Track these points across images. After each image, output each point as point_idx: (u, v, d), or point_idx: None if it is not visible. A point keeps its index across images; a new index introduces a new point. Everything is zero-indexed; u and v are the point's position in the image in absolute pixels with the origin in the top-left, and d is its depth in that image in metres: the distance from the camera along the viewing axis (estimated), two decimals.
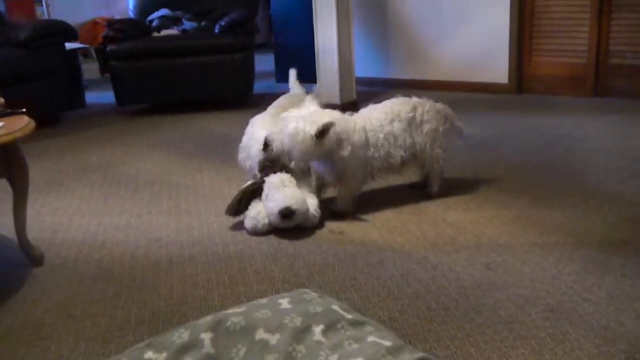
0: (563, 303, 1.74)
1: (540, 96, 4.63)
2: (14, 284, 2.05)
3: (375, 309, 1.77)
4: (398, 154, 2.50)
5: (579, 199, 2.54)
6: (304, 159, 2.40)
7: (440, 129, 2.60)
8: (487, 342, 1.57)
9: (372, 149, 2.45)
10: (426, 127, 2.56)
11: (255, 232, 2.34)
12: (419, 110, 2.57)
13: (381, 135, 2.46)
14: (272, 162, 2.40)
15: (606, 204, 2.46)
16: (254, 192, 2.39)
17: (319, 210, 2.39)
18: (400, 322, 1.69)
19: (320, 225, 2.39)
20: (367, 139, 2.44)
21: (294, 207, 2.25)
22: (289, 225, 2.29)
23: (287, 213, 2.24)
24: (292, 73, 3.36)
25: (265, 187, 2.36)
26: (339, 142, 2.37)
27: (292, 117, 2.36)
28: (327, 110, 2.46)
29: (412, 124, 2.54)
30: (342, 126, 2.38)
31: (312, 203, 2.37)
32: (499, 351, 1.53)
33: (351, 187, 2.48)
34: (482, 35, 4.77)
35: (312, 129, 2.28)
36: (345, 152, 2.37)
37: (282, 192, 2.29)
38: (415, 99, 2.62)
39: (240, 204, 2.39)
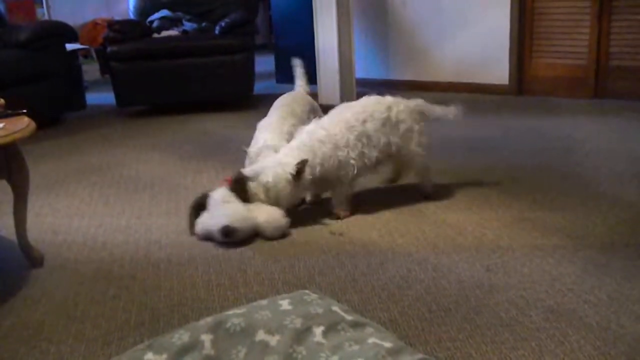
0: (563, 305, 1.74)
1: (540, 98, 4.63)
2: (14, 285, 2.05)
3: (375, 310, 1.77)
4: (373, 154, 2.49)
5: (579, 200, 2.54)
6: (292, 201, 2.43)
7: (416, 127, 2.58)
8: (487, 344, 1.57)
9: (345, 150, 2.43)
10: (402, 127, 2.55)
11: (206, 238, 2.33)
12: (394, 110, 2.55)
13: (352, 137, 2.44)
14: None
15: (606, 206, 2.46)
16: (200, 206, 2.38)
17: (281, 220, 2.32)
18: (400, 323, 1.69)
19: (319, 226, 2.39)
20: (335, 144, 2.42)
21: (234, 225, 2.22)
22: (234, 240, 2.26)
23: (226, 232, 2.22)
24: (298, 64, 3.33)
25: (208, 203, 2.35)
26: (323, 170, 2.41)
27: (266, 167, 2.37)
28: (293, 144, 2.46)
29: (386, 123, 2.52)
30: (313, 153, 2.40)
31: (267, 216, 2.31)
32: (500, 353, 1.53)
33: (340, 189, 2.48)
34: (482, 36, 4.77)
35: (289, 171, 2.32)
36: (317, 173, 2.39)
37: (222, 210, 2.28)
38: (389, 98, 2.60)
39: (193, 222, 2.39)
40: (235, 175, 2.41)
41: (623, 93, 4.33)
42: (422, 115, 2.63)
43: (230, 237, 2.24)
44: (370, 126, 2.48)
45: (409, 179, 2.76)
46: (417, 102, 2.63)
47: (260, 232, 2.32)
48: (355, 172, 2.47)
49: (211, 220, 2.29)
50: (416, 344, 1.58)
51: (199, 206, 2.40)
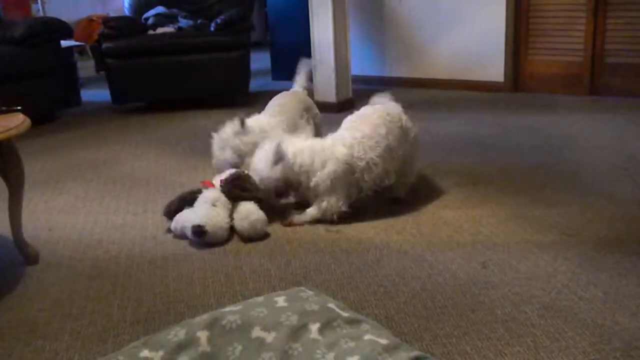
0: (559, 301, 1.74)
1: (536, 95, 4.64)
2: (9, 283, 2.05)
3: (371, 307, 1.77)
4: (392, 168, 2.42)
5: (575, 197, 2.54)
6: (263, 183, 2.40)
7: (416, 131, 2.56)
8: (483, 340, 1.58)
9: (361, 173, 2.34)
10: (412, 134, 2.52)
11: (175, 234, 2.35)
12: (403, 118, 2.51)
13: (374, 155, 2.34)
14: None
15: (601, 203, 2.46)
16: (190, 200, 2.38)
17: (257, 215, 2.29)
18: (396, 320, 1.69)
19: (315, 224, 2.40)
20: (351, 166, 2.33)
21: (207, 228, 2.21)
22: (200, 242, 2.25)
23: (197, 231, 2.21)
24: (304, 63, 3.29)
25: (198, 198, 2.36)
26: (303, 174, 2.34)
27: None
28: (308, 141, 2.41)
29: (403, 133, 2.46)
30: (309, 157, 2.33)
31: (243, 214, 2.28)
32: (495, 349, 1.53)
33: (327, 207, 2.37)
34: (478, 33, 4.77)
35: (269, 155, 2.34)
36: (312, 183, 2.33)
37: (204, 210, 2.27)
38: (394, 107, 2.54)
39: (171, 208, 2.41)
40: (232, 175, 2.41)
41: (618, 90, 4.34)
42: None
43: (200, 238, 2.23)
44: (392, 139, 2.40)
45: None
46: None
47: (239, 234, 2.30)
48: (365, 190, 2.39)
49: (192, 214, 2.28)
50: (412, 341, 1.59)
51: (186, 200, 2.39)
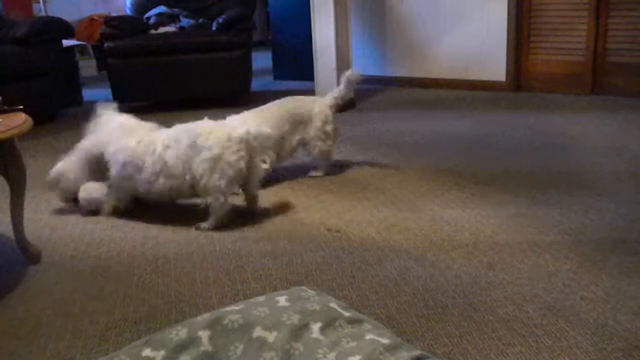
0: (560, 301, 1.74)
1: (537, 94, 4.63)
2: (10, 282, 2.05)
3: (373, 306, 1.77)
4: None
5: (576, 197, 2.54)
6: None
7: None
8: (484, 340, 1.57)
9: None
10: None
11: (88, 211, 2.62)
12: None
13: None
14: None
15: (603, 202, 2.46)
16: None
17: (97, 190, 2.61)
18: (398, 320, 1.69)
19: (316, 223, 2.40)
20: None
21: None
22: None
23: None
24: (353, 76, 3.05)
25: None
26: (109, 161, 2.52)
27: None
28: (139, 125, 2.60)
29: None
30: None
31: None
32: (497, 349, 1.53)
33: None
34: (479, 32, 4.77)
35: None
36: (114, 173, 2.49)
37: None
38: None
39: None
40: None
41: (620, 89, 4.34)
42: None
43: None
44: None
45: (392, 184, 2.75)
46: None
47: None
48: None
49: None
50: (413, 340, 1.59)
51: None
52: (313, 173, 3.01)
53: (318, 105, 2.98)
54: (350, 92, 3.06)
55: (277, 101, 2.98)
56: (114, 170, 2.48)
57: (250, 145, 2.34)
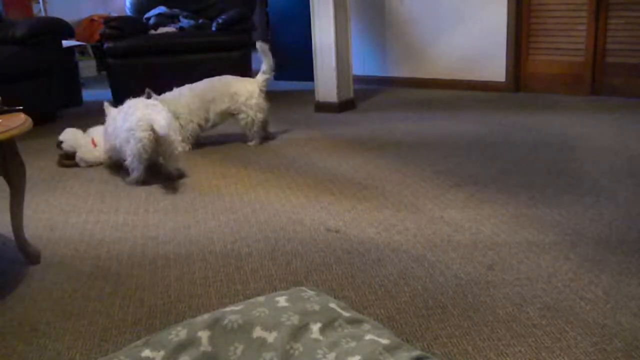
0: (560, 301, 1.74)
1: (537, 94, 4.63)
2: (10, 282, 2.05)
3: (372, 307, 1.77)
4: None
5: (576, 197, 2.54)
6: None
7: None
8: (484, 341, 1.57)
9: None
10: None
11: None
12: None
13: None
14: None
15: (603, 203, 2.46)
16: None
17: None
18: (397, 320, 1.69)
19: (316, 223, 2.40)
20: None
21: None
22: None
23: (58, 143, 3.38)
24: (263, 46, 3.63)
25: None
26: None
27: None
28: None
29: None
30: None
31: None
32: (497, 349, 1.53)
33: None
34: (479, 33, 4.77)
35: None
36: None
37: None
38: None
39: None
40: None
41: (620, 90, 4.34)
42: None
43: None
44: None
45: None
46: None
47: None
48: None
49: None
50: (413, 341, 1.59)
51: None
52: (249, 143, 3.62)
53: (244, 83, 3.58)
54: (270, 59, 3.59)
55: (212, 78, 3.60)
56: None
57: (157, 134, 2.87)
